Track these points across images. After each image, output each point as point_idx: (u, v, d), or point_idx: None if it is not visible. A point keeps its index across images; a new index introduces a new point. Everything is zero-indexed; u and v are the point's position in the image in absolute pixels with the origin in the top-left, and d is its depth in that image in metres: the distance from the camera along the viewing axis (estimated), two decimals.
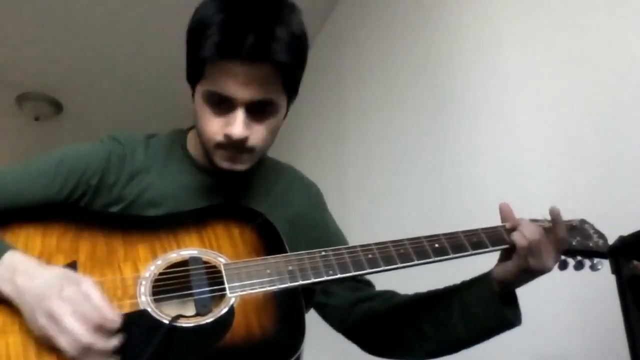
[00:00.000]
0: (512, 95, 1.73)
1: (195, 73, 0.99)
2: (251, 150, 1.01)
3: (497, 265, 1.02)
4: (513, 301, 1.01)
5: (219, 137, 0.99)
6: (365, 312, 1.12)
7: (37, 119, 3.89)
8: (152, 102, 3.83)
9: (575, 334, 1.39)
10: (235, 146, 0.99)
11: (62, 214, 1.00)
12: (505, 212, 1.02)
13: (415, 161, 2.16)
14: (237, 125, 0.96)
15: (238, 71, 0.94)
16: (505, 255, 1.01)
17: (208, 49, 0.93)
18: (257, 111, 0.98)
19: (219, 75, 0.95)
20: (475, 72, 1.90)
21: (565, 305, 1.42)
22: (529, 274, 0.98)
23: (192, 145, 1.12)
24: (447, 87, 2.04)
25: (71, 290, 0.81)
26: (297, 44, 0.97)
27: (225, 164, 1.02)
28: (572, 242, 1.03)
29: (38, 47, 3.31)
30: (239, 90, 0.95)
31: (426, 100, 2.15)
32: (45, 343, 0.80)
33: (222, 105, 0.98)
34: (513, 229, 1.00)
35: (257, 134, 1.00)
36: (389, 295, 1.14)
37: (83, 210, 1.03)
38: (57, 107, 3.87)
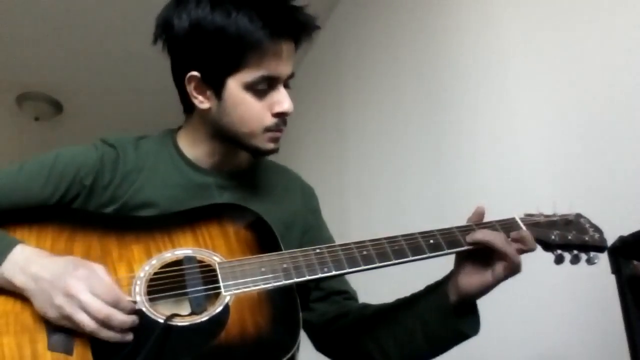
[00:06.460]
0: (513, 95, 1.72)
1: (226, 69, 0.99)
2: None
3: (459, 276, 0.97)
4: (472, 309, 0.98)
5: (268, 120, 1.02)
6: (337, 331, 1.12)
7: (37, 119, 3.88)
8: (152, 102, 3.81)
9: (575, 334, 1.39)
10: (284, 123, 1.03)
11: (56, 216, 1.00)
12: (477, 215, 1.01)
13: (415, 161, 2.16)
14: (288, 100, 1.01)
15: (282, 49, 0.99)
16: (465, 259, 0.97)
17: (255, 35, 0.95)
18: (287, 85, 1.04)
19: (267, 58, 0.98)
20: (475, 71, 1.90)
21: (565, 305, 1.42)
22: (501, 281, 0.95)
23: (184, 143, 1.12)
24: (447, 87, 2.03)
25: (84, 271, 0.85)
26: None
27: (271, 145, 1.05)
28: (568, 236, 1.02)
29: (38, 47, 3.30)
30: (286, 67, 1.01)
31: (426, 99, 2.14)
32: (62, 324, 0.83)
33: (264, 88, 1.00)
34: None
35: None
36: (360, 310, 1.12)
37: (77, 211, 1.02)
38: (57, 107, 3.86)
